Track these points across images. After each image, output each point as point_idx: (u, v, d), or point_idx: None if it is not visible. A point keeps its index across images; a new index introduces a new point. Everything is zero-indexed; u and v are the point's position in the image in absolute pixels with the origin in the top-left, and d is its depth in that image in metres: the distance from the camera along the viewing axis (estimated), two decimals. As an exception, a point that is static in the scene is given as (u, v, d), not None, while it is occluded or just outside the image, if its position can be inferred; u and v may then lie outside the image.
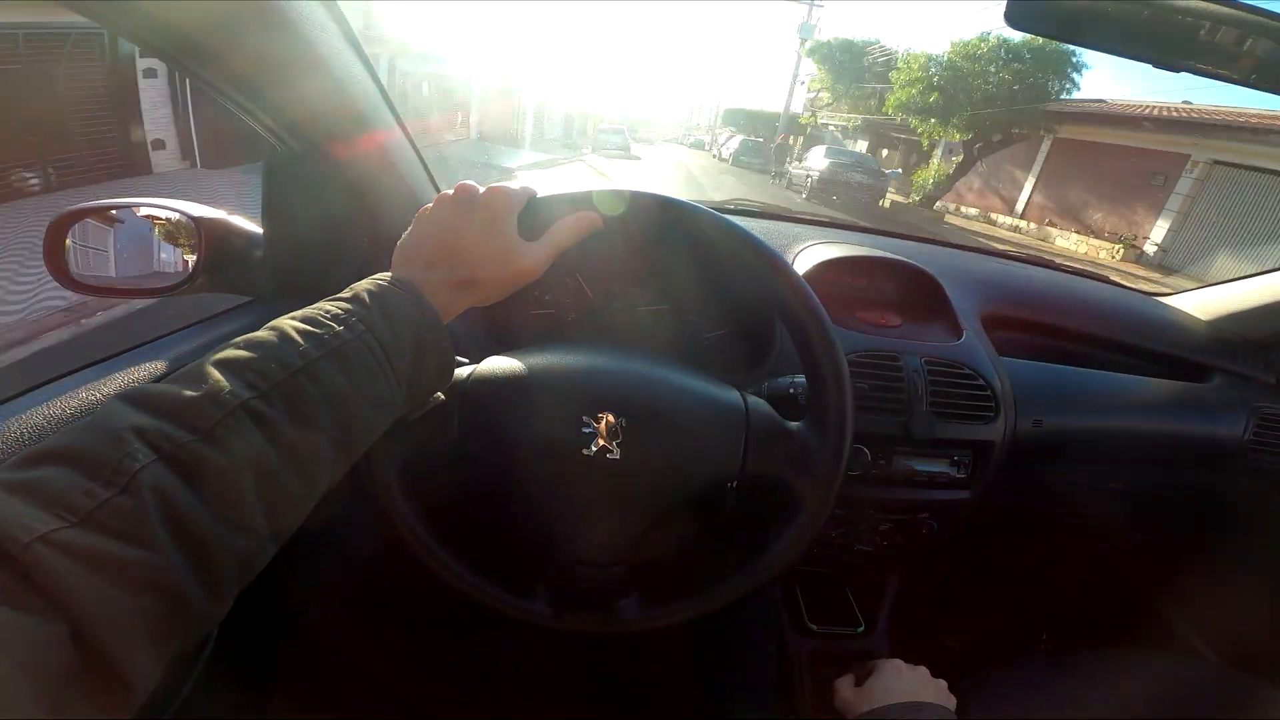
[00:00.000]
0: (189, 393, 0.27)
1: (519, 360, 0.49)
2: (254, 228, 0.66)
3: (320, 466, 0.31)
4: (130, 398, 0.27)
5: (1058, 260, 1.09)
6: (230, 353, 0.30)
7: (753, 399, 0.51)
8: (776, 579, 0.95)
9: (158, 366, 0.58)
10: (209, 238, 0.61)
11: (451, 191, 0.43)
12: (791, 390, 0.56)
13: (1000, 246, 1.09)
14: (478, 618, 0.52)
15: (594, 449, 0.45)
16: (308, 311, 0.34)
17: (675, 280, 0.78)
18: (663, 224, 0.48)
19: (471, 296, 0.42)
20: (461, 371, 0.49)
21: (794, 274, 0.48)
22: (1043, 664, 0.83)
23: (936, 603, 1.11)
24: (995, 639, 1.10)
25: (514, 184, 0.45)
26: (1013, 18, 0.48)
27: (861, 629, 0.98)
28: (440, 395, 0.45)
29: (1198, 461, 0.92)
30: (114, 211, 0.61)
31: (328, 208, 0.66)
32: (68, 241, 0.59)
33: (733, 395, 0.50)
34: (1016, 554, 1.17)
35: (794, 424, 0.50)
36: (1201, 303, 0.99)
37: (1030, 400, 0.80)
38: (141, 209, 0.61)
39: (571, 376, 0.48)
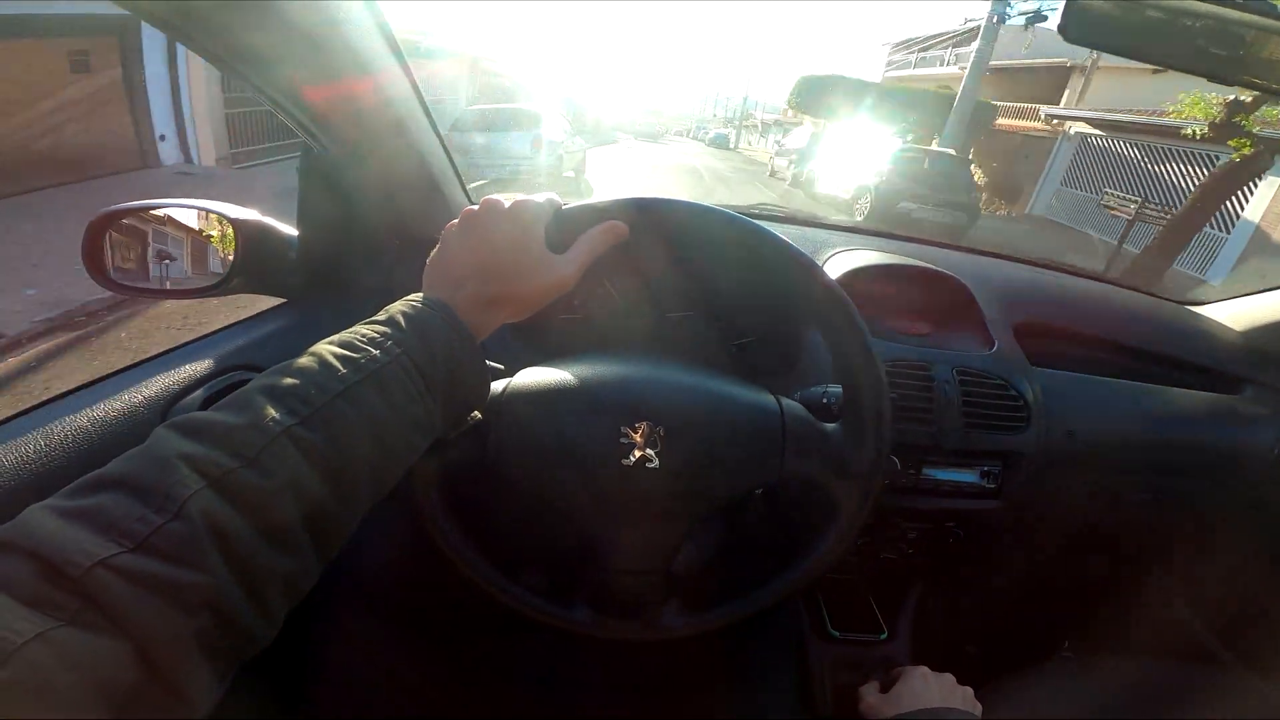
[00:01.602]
0: (234, 420, 0.28)
1: (557, 372, 0.49)
2: (289, 229, 0.66)
3: (360, 488, 0.32)
4: (179, 425, 0.28)
5: (1090, 269, 1.08)
6: (272, 380, 0.31)
7: (787, 401, 0.50)
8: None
9: (198, 368, 0.59)
10: (245, 239, 0.61)
11: (477, 206, 0.43)
12: (825, 400, 0.56)
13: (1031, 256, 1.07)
14: (504, 622, 0.53)
15: (633, 459, 0.45)
16: (344, 336, 0.35)
17: (703, 286, 0.77)
18: (694, 231, 0.48)
19: (504, 312, 0.42)
20: (496, 385, 0.49)
21: (829, 280, 0.48)
22: (1065, 672, 0.82)
23: (959, 610, 1.10)
24: (1017, 647, 1.09)
25: (539, 196, 0.44)
26: (1068, 30, 0.48)
27: (884, 635, 0.97)
28: (478, 414, 0.45)
29: (1229, 474, 0.91)
30: (152, 212, 0.61)
31: (360, 210, 0.66)
32: (105, 242, 0.59)
33: (767, 399, 0.50)
34: (1042, 563, 1.16)
35: (830, 425, 0.50)
36: (1235, 313, 0.98)
37: (1063, 411, 0.80)
38: (179, 210, 0.62)
39: (607, 387, 0.48)
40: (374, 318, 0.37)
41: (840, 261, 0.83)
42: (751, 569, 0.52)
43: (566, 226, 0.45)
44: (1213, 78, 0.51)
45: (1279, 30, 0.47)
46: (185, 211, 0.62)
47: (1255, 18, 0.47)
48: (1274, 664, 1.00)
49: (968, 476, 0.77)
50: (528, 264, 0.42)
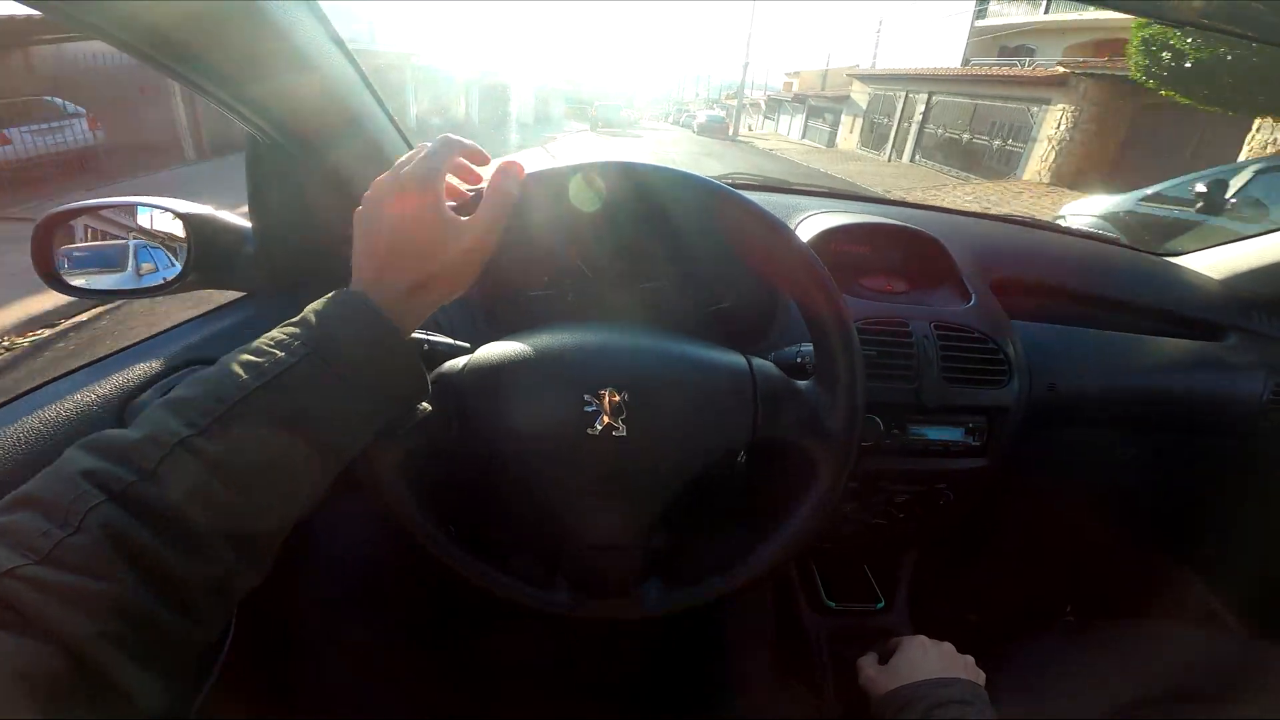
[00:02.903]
0: (135, 436, 0.29)
1: (514, 344, 0.48)
2: (243, 222, 0.65)
3: (279, 490, 0.32)
4: (86, 444, 0.29)
5: (1063, 225, 1.07)
6: (179, 393, 0.32)
7: (758, 360, 0.49)
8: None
9: (152, 366, 0.57)
10: (197, 234, 0.60)
11: (370, 190, 0.40)
12: (799, 359, 0.55)
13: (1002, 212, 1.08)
14: (489, 610, 0.51)
15: (599, 427, 0.44)
16: (259, 340, 0.34)
17: (675, 255, 0.76)
18: (663, 196, 0.46)
19: (431, 295, 0.39)
20: (458, 362, 0.47)
21: (793, 235, 0.47)
22: (1069, 636, 0.81)
23: (956, 577, 1.10)
24: (1018, 612, 1.09)
25: (429, 149, 0.40)
26: None
27: (881, 605, 0.96)
28: (426, 406, 0.43)
29: (1217, 422, 0.90)
30: (101, 211, 0.60)
31: (316, 200, 0.65)
32: (55, 243, 0.58)
33: (737, 359, 0.49)
34: (1036, 525, 1.15)
35: (803, 383, 0.48)
36: (1214, 262, 0.97)
37: (1044, 363, 0.79)
38: (127, 207, 0.61)
39: (568, 355, 0.47)
40: (291, 319, 0.36)
41: (813, 223, 0.82)
42: (736, 540, 0.51)
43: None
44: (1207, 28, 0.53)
45: None
46: (135, 208, 0.60)
47: None
48: (1270, 618, 1.00)
49: (953, 434, 0.76)
50: (430, 238, 0.38)
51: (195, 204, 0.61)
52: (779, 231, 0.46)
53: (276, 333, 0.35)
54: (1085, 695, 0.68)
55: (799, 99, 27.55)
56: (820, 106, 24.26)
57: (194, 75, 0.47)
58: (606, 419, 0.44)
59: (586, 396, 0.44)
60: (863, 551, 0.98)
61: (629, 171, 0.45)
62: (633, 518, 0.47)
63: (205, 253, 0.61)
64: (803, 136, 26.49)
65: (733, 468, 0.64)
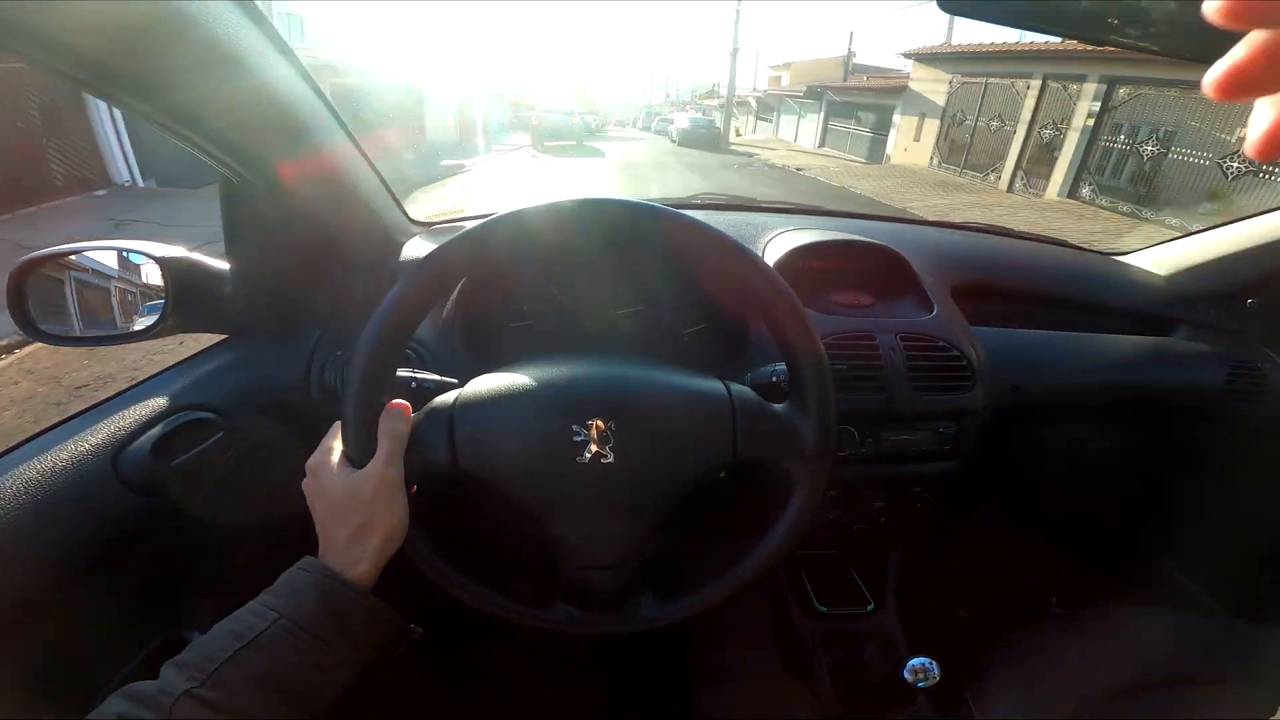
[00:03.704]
0: (151, 689, 0.37)
1: (503, 377, 0.50)
2: (219, 264, 0.65)
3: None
4: (121, 693, 0.37)
5: (1017, 230, 1.12)
6: (183, 655, 0.39)
7: (736, 386, 0.51)
8: (782, 563, 0.96)
9: (141, 414, 0.58)
10: (175, 277, 0.60)
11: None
12: (774, 379, 0.57)
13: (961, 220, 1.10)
14: (489, 626, 0.52)
15: (588, 456, 0.46)
16: (241, 610, 0.42)
17: (650, 280, 0.78)
18: (629, 230, 0.48)
19: (372, 541, 0.45)
20: (448, 396, 0.49)
21: (760, 262, 0.49)
22: (1057, 626, 0.83)
23: (944, 576, 1.12)
24: (1006, 606, 1.12)
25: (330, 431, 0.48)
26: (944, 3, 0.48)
27: (870, 607, 0.98)
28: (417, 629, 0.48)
29: (1173, 413, 0.94)
30: (74, 257, 0.60)
31: (293, 239, 0.66)
32: (30, 289, 0.57)
33: (715, 385, 0.51)
34: (1015, 520, 1.19)
35: (779, 406, 0.51)
36: (1158, 259, 1.02)
37: (1006, 366, 0.82)
38: (101, 252, 0.61)
39: (555, 387, 0.49)
40: (270, 587, 0.43)
41: (781, 242, 0.85)
42: (723, 553, 0.53)
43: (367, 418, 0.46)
44: (1085, 40, 0.51)
45: None
46: (108, 254, 0.60)
47: None
48: (1246, 597, 1.04)
49: (924, 439, 0.79)
50: (340, 498, 0.45)
51: (173, 247, 0.62)
52: (747, 258, 0.48)
53: (257, 601, 0.42)
54: (1078, 684, 0.69)
55: (813, 93, 19.38)
56: (851, 103, 17.11)
57: (150, 110, 0.47)
58: (595, 448, 0.46)
59: (575, 427, 0.46)
60: (849, 557, 1.01)
61: (595, 208, 0.47)
62: (623, 538, 0.49)
63: (184, 296, 0.61)
64: (821, 144, 18.99)
65: (717, 486, 0.67)
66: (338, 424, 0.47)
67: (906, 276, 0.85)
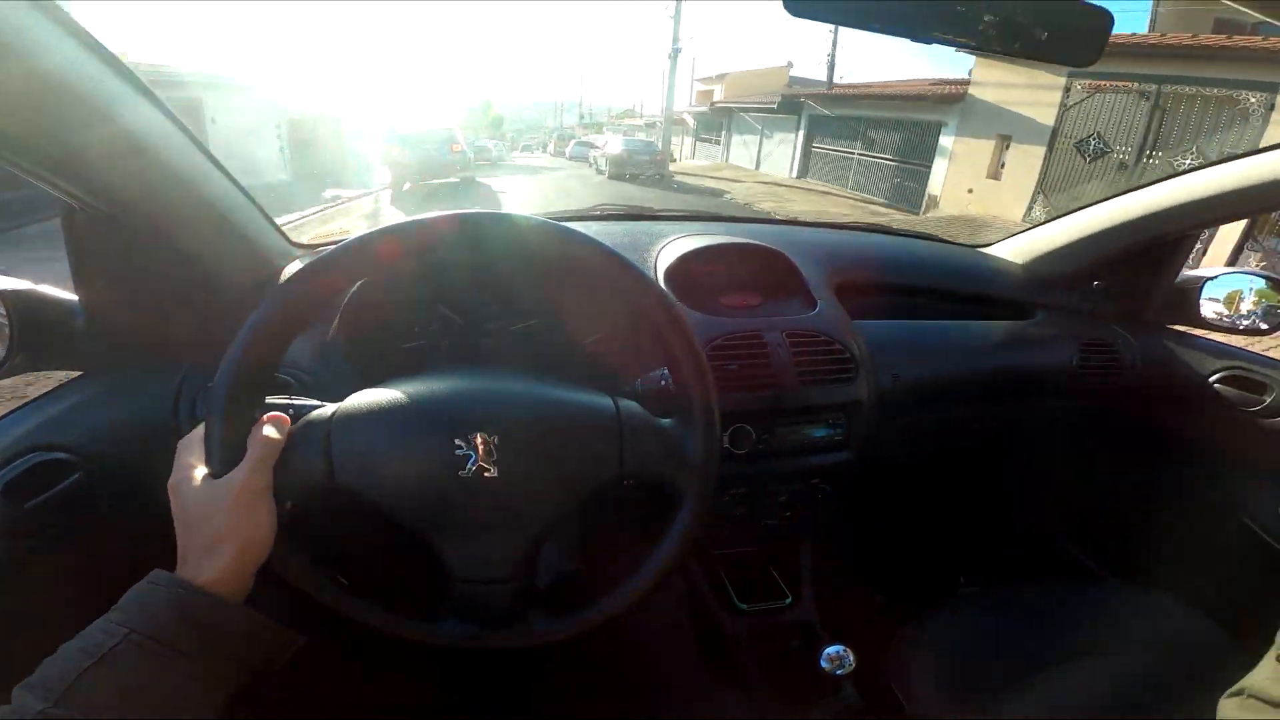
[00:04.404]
0: (4, 713, 0.35)
1: (384, 392, 0.49)
2: (68, 296, 0.62)
3: None
4: None
5: (894, 226, 1.21)
6: (34, 677, 0.37)
7: (624, 402, 0.52)
8: (700, 563, 0.98)
9: None
10: (19, 312, 0.57)
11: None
12: (664, 382, 0.59)
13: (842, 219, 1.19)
14: (404, 646, 0.51)
15: (471, 469, 0.46)
16: (88, 628, 0.39)
17: (547, 292, 0.79)
18: (512, 245, 0.49)
19: (224, 554, 0.42)
20: (325, 411, 0.48)
21: (642, 274, 0.50)
22: (969, 604, 0.88)
23: (856, 563, 1.17)
24: (919, 588, 1.18)
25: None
26: (792, 7, 0.50)
27: (789, 600, 1.01)
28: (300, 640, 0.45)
29: (1034, 392, 1.02)
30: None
31: (150, 267, 0.63)
32: None
33: (604, 401, 0.52)
34: (917, 504, 1.25)
35: (665, 420, 0.52)
36: (1015, 248, 1.11)
37: (885, 357, 0.88)
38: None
39: (437, 401, 0.48)
40: (117, 604, 0.41)
41: (672, 249, 0.88)
42: (617, 564, 0.54)
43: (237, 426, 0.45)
44: (913, 38, 0.53)
45: None
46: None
47: None
48: (1132, 563, 1.13)
49: (817, 432, 0.83)
50: (194, 508, 0.43)
51: (13, 279, 0.58)
52: (630, 272, 0.49)
53: (104, 619, 0.40)
54: (995, 660, 0.73)
55: (789, 105, 14.16)
56: (854, 119, 12.06)
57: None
58: (479, 461, 0.46)
59: (457, 440, 0.46)
60: (766, 552, 1.03)
61: (469, 223, 0.47)
62: (511, 552, 0.49)
63: (31, 332, 0.57)
64: (801, 173, 14.10)
65: (609, 496, 0.68)
66: (191, 438, 0.45)
67: (792, 276, 0.89)
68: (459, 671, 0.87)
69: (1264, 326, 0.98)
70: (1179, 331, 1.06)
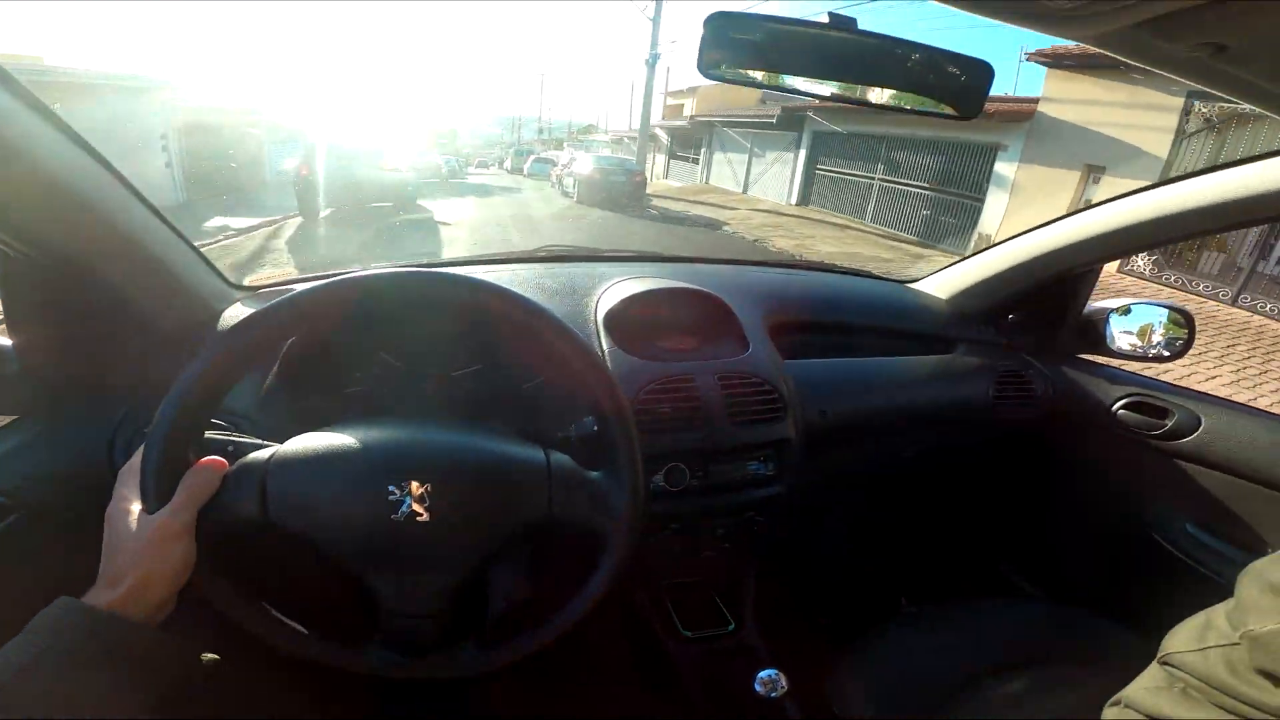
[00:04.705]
0: None
1: (323, 436, 0.51)
2: (3, 341, 0.63)
3: None
4: None
5: (827, 263, 1.28)
6: None
7: (555, 455, 0.55)
8: (645, 592, 1.00)
9: None
10: None
11: None
12: (596, 428, 0.61)
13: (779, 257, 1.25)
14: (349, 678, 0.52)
15: (404, 514, 0.48)
16: (5, 647, 0.40)
17: (486, 339, 0.81)
18: (424, 300, 0.52)
19: (122, 590, 0.44)
20: (263, 453, 0.50)
21: (568, 331, 0.54)
22: (909, 623, 0.91)
23: (799, 589, 1.20)
24: (861, 610, 1.20)
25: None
26: (703, 68, 0.56)
27: (732, 627, 1.03)
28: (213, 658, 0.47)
29: (953, 424, 1.08)
30: None
31: (84, 309, 0.64)
32: None
33: (535, 453, 0.54)
34: (852, 530, 1.29)
35: (594, 473, 0.55)
36: (940, 283, 1.18)
37: (814, 394, 0.92)
38: None
39: (374, 448, 0.50)
40: (28, 626, 0.41)
41: (613, 293, 0.91)
42: (547, 600, 0.56)
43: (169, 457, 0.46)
44: (856, 103, 0.58)
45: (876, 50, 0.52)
46: None
47: (878, 42, 0.53)
48: (1064, 582, 1.18)
49: (750, 468, 0.86)
50: (112, 539, 0.45)
51: None
52: (558, 328, 0.53)
53: (18, 637, 0.40)
54: (933, 676, 0.76)
55: (789, 120, 12.19)
56: (872, 138, 10.48)
57: None
58: (413, 505, 0.48)
59: (391, 486, 0.48)
60: (709, 582, 1.06)
61: (392, 281, 0.50)
62: (440, 588, 0.51)
63: None
64: (802, 199, 12.53)
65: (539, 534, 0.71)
66: (130, 467, 0.47)
67: (727, 319, 0.93)
68: (395, 699, 0.87)
69: (1166, 354, 1.05)
70: (1086, 360, 1.12)
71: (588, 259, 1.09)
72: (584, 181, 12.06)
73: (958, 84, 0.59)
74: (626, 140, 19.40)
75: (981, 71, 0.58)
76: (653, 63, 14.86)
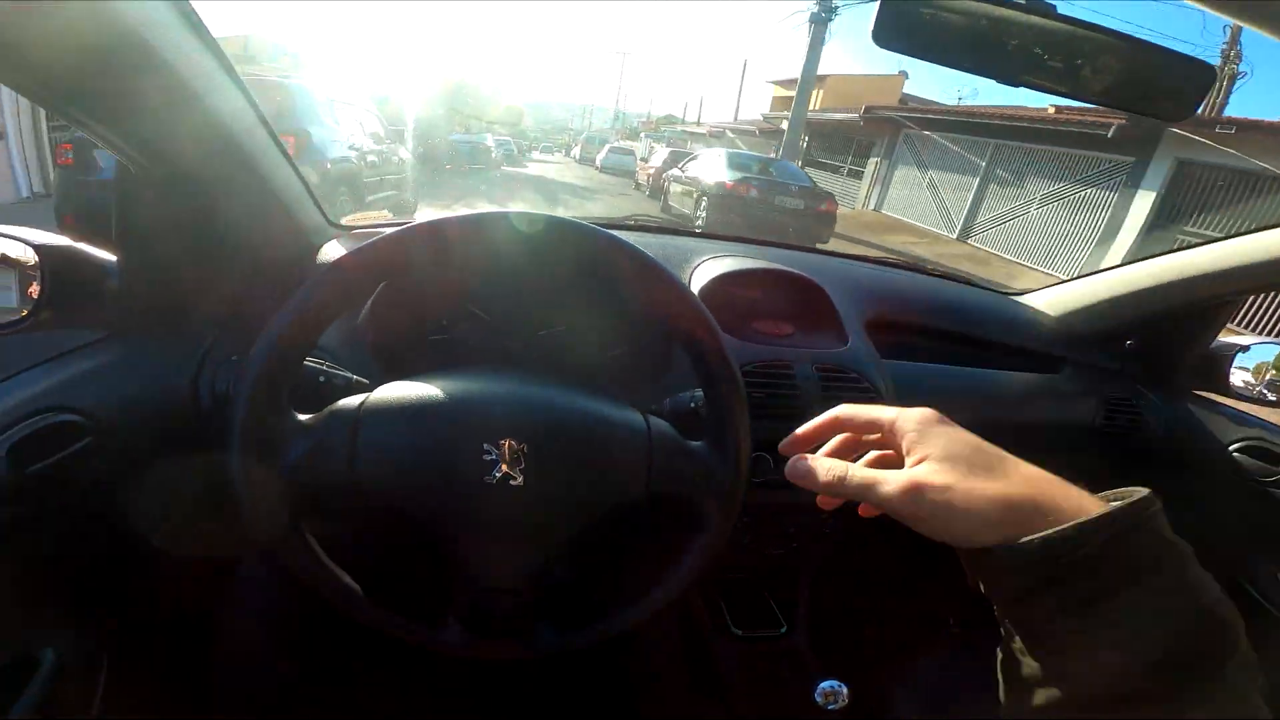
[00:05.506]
0: None
1: (416, 386, 0.48)
2: (107, 256, 0.61)
3: None
4: None
5: (929, 265, 1.20)
6: None
7: (655, 420, 0.51)
8: (693, 590, 0.97)
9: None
10: (52, 268, 0.56)
11: None
12: (693, 405, 0.58)
13: (880, 255, 1.19)
14: (399, 652, 0.50)
15: (496, 476, 0.44)
16: None
17: (573, 302, 0.78)
18: (553, 245, 0.48)
19: None
20: (353, 400, 0.47)
21: (688, 292, 0.49)
22: (955, 645, 0.88)
23: (852, 598, 1.16)
24: (909, 627, 1.16)
25: None
26: (879, 37, 0.50)
27: (785, 630, 1.00)
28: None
29: (1055, 446, 1.01)
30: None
31: (192, 234, 0.62)
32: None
33: (635, 417, 0.50)
34: (915, 544, 1.24)
35: (695, 444, 0.51)
36: (1050, 299, 1.10)
37: (910, 398, 0.85)
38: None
39: (471, 403, 0.47)
40: None
41: (707, 269, 0.87)
42: (628, 583, 0.53)
43: None
44: (1002, 80, 0.53)
45: (1060, 35, 0.49)
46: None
47: (1075, 29, 0.48)
48: None
49: None
50: None
51: (51, 234, 0.57)
52: (670, 283, 0.48)
53: None
54: (979, 699, 0.73)
55: (1140, 137, 6.66)
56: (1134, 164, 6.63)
57: (65, 105, 0.44)
58: (505, 468, 0.45)
59: (486, 446, 0.45)
60: (763, 580, 1.02)
61: (513, 222, 0.46)
62: (525, 562, 0.48)
63: (62, 289, 0.57)
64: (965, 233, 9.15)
65: (627, 514, 0.68)
66: None
67: (825, 308, 0.88)
68: (442, 687, 0.86)
69: (1271, 398, 0.97)
70: (1204, 397, 1.05)
71: (678, 233, 1.06)
72: (723, 199, 6.99)
73: (1169, 82, 0.52)
74: (729, 135, 14.85)
75: (1202, 74, 0.51)
76: (822, 18, 9.96)
